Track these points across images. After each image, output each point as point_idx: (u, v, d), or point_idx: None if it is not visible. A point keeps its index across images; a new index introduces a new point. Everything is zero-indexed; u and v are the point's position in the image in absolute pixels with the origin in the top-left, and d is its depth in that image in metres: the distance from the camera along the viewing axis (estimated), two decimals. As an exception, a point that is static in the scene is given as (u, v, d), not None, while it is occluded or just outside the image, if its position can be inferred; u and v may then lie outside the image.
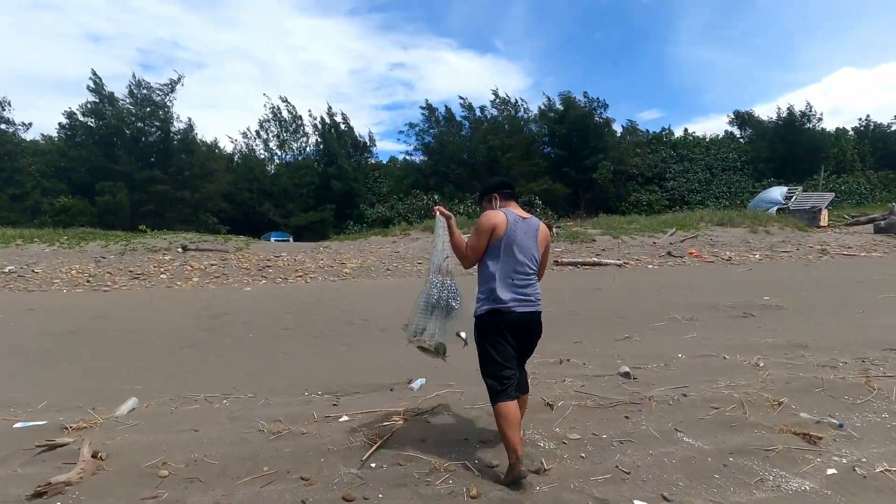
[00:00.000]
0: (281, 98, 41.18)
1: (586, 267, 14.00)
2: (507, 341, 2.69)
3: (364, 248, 16.67)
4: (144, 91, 28.50)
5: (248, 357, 5.69)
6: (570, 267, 13.92)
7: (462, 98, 40.33)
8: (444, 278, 2.89)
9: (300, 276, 11.95)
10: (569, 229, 21.91)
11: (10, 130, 27.09)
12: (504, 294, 2.68)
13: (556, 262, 14.14)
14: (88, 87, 27.32)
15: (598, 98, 40.76)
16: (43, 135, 30.44)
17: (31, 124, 30.91)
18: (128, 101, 28.42)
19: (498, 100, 40.20)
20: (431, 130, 40.28)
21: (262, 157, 42.17)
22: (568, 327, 6.66)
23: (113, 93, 28.01)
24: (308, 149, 43.13)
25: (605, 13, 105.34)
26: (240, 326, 7.08)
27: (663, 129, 47.69)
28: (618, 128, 43.25)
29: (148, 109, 28.29)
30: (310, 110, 43.38)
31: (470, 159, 37.86)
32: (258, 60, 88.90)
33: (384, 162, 49.90)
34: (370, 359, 5.56)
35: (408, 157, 42.37)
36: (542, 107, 41.99)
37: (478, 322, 2.76)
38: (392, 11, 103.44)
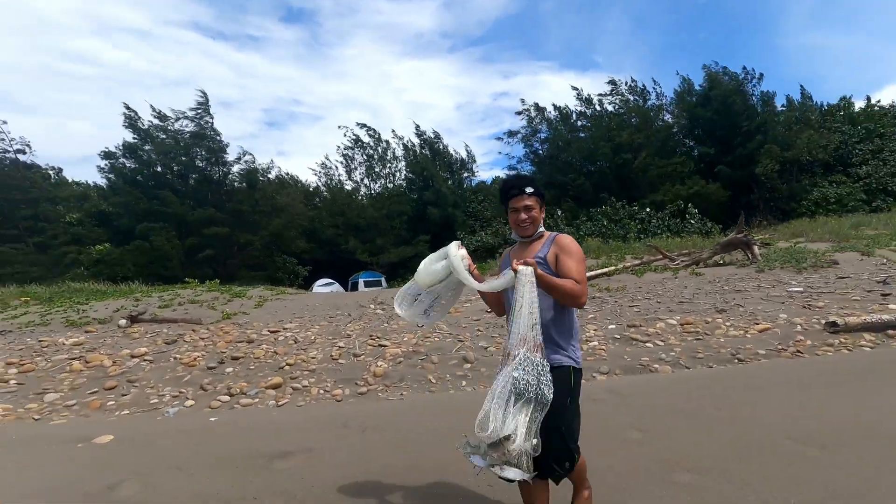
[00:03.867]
0: (358, 124, 36.63)
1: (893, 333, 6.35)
2: None
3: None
4: (180, 122, 24.48)
5: None
6: (867, 338, 6.30)
7: (576, 88, 32.41)
8: (532, 354, 2.02)
9: (277, 387, 5.67)
10: (776, 245, 13.76)
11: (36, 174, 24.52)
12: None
13: (831, 322, 6.57)
14: (124, 125, 23.91)
15: (749, 69, 31.11)
16: (95, 182, 27.93)
17: (60, 169, 28.48)
18: (164, 135, 24.56)
19: (617, 88, 32.04)
20: (539, 135, 33.15)
21: (349, 188, 38.12)
22: None
23: (150, 129, 24.31)
24: (398, 175, 38.35)
25: (705, 12, 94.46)
26: None
27: (841, 100, 36.01)
28: (779, 102, 33.03)
29: (188, 141, 24.36)
30: (393, 130, 37.86)
31: (591, 166, 30.08)
32: (367, 106, 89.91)
33: (488, 183, 43.90)
34: None
35: (513, 171, 35.50)
36: (678, 89, 33.03)
37: (574, 375, 2.21)
38: (489, 43, 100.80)
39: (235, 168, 26.03)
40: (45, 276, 18.83)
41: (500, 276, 2.17)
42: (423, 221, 34.47)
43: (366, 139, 36.96)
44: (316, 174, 38.38)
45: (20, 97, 72.69)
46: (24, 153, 23.56)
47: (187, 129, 24.26)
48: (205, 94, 24.83)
